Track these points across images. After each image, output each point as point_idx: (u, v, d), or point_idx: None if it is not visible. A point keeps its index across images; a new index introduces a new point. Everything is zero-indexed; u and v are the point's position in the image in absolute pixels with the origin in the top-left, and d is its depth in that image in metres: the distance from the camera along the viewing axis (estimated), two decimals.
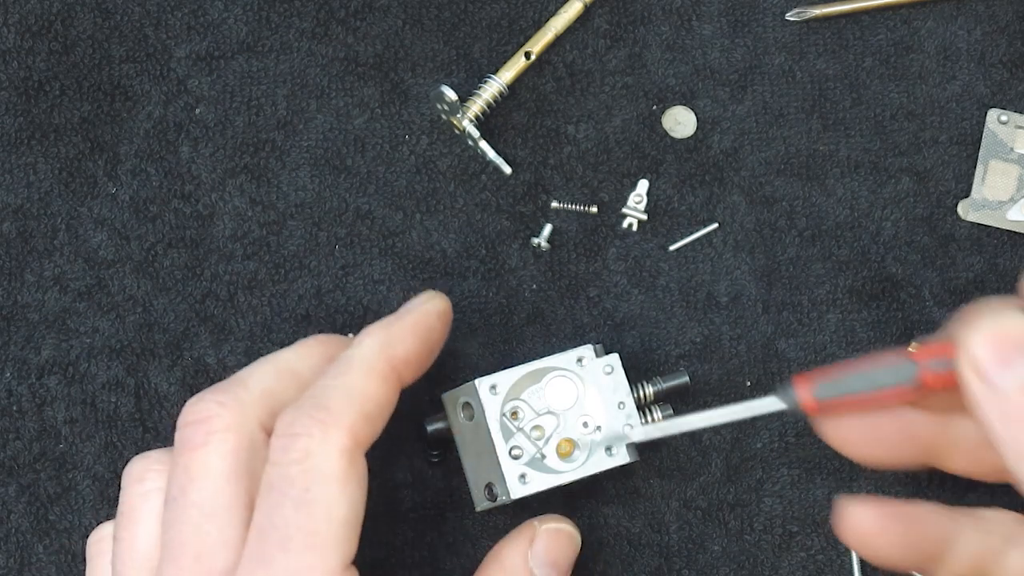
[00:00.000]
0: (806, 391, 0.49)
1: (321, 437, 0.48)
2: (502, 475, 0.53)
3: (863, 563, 0.58)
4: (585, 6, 0.60)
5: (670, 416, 0.56)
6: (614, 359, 0.55)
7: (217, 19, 0.61)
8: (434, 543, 0.58)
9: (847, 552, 0.58)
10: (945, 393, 0.48)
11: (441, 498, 0.58)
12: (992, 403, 0.46)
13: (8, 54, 0.61)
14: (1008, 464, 0.45)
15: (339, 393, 0.49)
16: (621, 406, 0.55)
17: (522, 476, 0.53)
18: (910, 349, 0.49)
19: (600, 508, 0.58)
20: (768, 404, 0.50)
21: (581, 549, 0.58)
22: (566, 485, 0.54)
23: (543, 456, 0.54)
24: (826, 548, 0.58)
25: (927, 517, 0.51)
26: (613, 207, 0.60)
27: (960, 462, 0.53)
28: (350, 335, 0.54)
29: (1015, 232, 0.60)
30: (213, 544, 0.48)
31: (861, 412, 0.50)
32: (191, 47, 0.61)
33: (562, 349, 0.59)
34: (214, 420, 0.49)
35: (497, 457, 0.53)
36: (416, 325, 0.52)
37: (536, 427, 0.54)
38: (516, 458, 0.54)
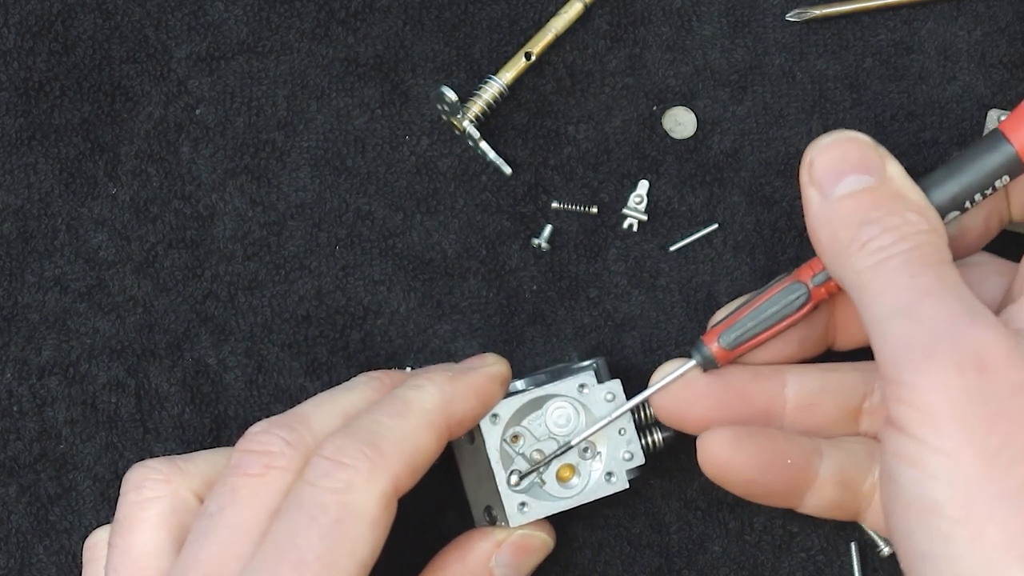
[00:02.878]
0: (714, 343, 0.53)
1: (367, 475, 0.47)
2: (501, 504, 0.53)
3: (863, 563, 0.58)
4: (585, 7, 0.60)
5: (669, 436, 0.56)
6: (615, 386, 0.55)
7: (217, 20, 0.61)
8: (433, 543, 0.58)
9: (847, 552, 0.58)
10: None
11: (440, 498, 0.58)
12: (823, 212, 0.49)
13: (8, 54, 0.61)
14: (840, 279, 0.49)
15: (394, 436, 0.49)
16: (622, 432, 0.54)
17: (522, 504, 0.53)
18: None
19: (600, 508, 0.58)
20: (686, 366, 0.53)
21: (582, 549, 0.58)
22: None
23: (543, 482, 0.54)
24: (826, 548, 0.58)
25: (788, 443, 0.52)
26: (613, 208, 0.60)
27: (820, 500, 0.54)
28: (408, 368, 0.54)
29: (1015, 232, 0.60)
30: (230, 566, 0.47)
31: (769, 340, 0.53)
32: (191, 48, 0.61)
33: (563, 350, 0.59)
34: (276, 456, 0.49)
35: (496, 485, 0.53)
36: (479, 388, 0.52)
37: (537, 451, 0.54)
38: (515, 486, 0.53)
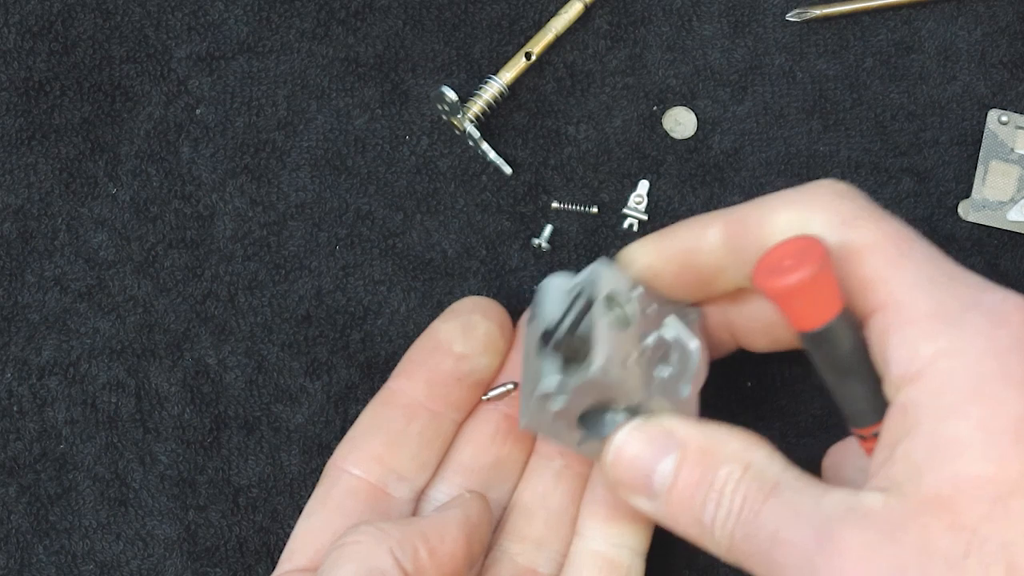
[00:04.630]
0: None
1: None
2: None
3: None
4: (585, 7, 0.60)
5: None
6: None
7: (217, 19, 0.61)
8: None
9: None
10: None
11: None
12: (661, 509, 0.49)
13: (9, 54, 0.61)
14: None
15: None
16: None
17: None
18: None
19: None
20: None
21: None
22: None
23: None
24: None
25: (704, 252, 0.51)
26: (614, 208, 0.60)
27: (760, 340, 0.54)
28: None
29: (1016, 232, 0.60)
30: None
31: None
32: (191, 48, 0.61)
33: None
34: None
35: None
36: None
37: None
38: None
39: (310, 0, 0.61)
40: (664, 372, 0.51)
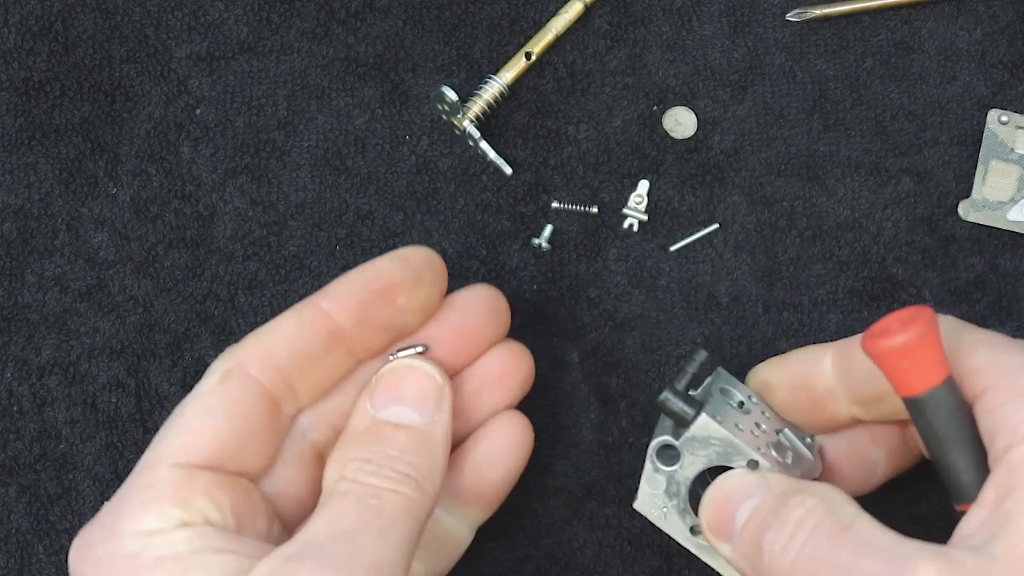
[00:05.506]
0: None
1: None
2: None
3: None
4: (585, 7, 0.60)
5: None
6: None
7: (217, 19, 0.61)
8: None
9: None
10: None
11: None
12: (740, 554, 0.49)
13: (9, 54, 0.61)
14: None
15: None
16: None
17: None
18: None
19: (601, 508, 0.58)
20: None
21: (582, 550, 0.58)
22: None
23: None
24: None
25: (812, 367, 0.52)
26: (614, 208, 0.60)
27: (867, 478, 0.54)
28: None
29: (1016, 232, 0.60)
30: None
31: None
32: (191, 47, 0.61)
33: (563, 350, 0.59)
34: None
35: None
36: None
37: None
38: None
39: (310, 0, 0.61)
40: (785, 455, 0.52)
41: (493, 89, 0.59)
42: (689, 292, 0.59)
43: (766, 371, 0.54)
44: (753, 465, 0.50)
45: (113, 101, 0.61)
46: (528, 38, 0.61)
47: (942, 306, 0.59)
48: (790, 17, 0.61)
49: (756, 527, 0.48)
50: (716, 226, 0.60)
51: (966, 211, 0.60)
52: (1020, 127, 0.60)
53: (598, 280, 0.60)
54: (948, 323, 0.49)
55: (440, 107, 0.59)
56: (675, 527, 0.53)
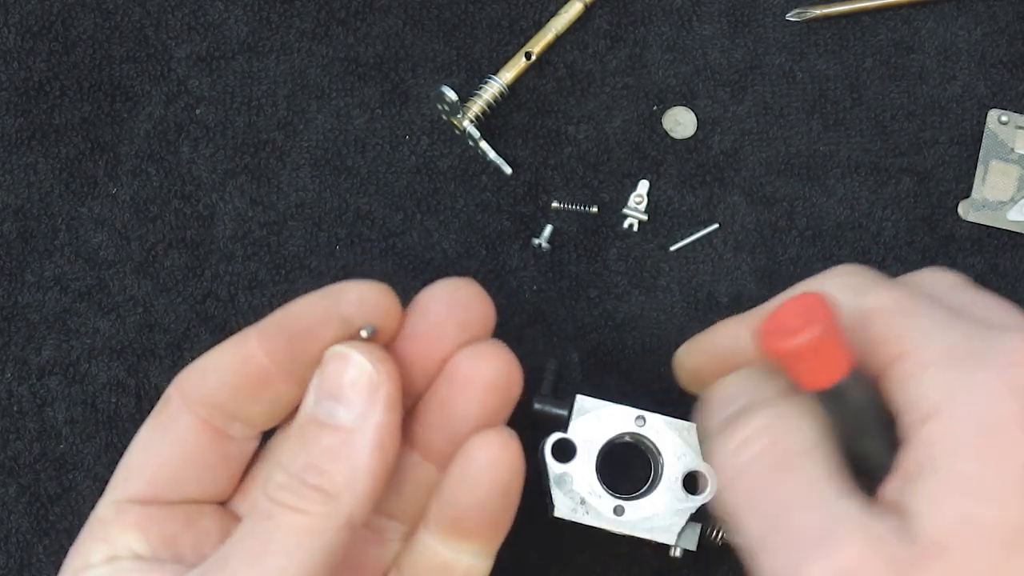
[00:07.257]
0: None
1: None
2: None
3: None
4: (585, 6, 0.60)
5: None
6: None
7: (217, 19, 0.61)
8: None
9: None
10: None
11: None
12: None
13: (8, 54, 0.61)
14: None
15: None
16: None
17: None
18: None
19: None
20: None
21: (582, 549, 0.58)
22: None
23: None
24: None
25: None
26: (614, 207, 0.60)
27: None
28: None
29: (1016, 232, 0.60)
30: None
31: None
32: (191, 47, 0.61)
33: (563, 350, 0.59)
34: None
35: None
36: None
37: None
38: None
39: (310, 0, 0.61)
40: None
41: (493, 89, 0.59)
42: (689, 292, 0.59)
43: (689, 358, 0.53)
44: (640, 422, 0.53)
45: (113, 101, 0.61)
46: (528, 38, 0.61)
47: None
48: (790, 17, 0.61)
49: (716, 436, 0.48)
50: (716, 226, 0.60)
51: (966, 211, 0.60)
52: (1020, 127, 0.60)
53: (598, 280, 0.60)
54: (850, 280, 0.48)
55: (440, 107, 0.59)
56: (598, 517, 0.53)
